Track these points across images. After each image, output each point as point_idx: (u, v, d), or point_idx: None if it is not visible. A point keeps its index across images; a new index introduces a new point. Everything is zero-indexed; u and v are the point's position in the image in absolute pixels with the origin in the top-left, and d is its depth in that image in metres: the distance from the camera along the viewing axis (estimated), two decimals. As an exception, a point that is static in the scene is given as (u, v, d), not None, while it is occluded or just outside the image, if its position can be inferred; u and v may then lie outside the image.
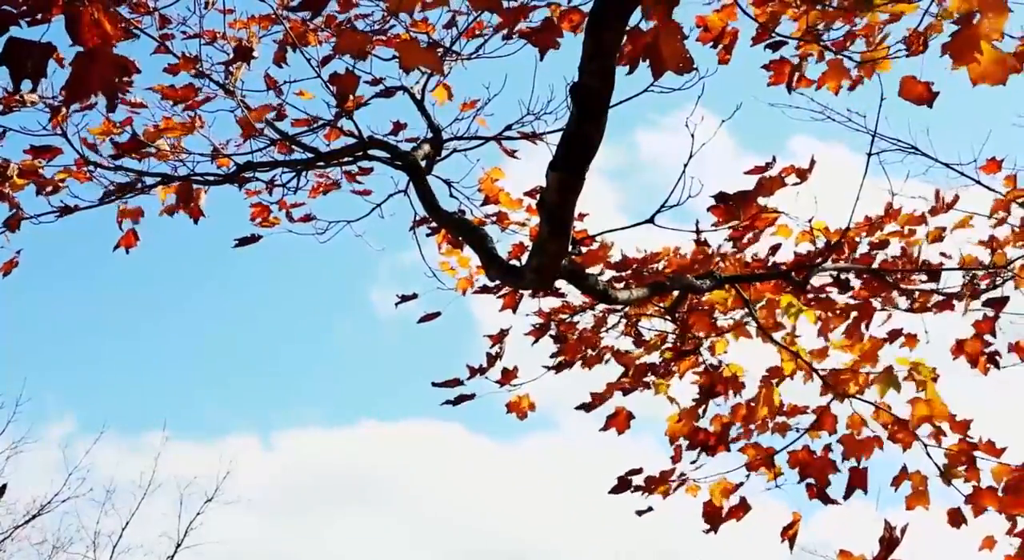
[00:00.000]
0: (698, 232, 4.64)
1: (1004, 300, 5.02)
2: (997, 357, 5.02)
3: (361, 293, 30.75)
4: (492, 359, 5.19)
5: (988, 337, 5.05)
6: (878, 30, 4.25)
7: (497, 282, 4.74)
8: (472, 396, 5.14)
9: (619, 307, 5.22)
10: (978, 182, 4.04)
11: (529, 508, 26.13)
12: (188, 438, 30.26)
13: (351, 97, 4.58)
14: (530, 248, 4.18)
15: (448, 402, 5.13)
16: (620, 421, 5.26)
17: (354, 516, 26.28)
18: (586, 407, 5.25)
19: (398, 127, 5.34)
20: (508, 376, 5.23)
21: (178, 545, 18.42)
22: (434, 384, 5.09)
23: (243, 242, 5.32)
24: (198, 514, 18.74)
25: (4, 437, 18.32)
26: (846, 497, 4.78)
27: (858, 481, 4.77)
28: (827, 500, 4.76)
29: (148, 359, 27.73)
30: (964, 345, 5.07)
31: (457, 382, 5.11)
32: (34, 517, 17.79)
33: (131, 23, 4.31)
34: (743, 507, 4.81)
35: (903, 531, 4.67)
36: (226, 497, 19.07)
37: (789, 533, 4.71)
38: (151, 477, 18.90)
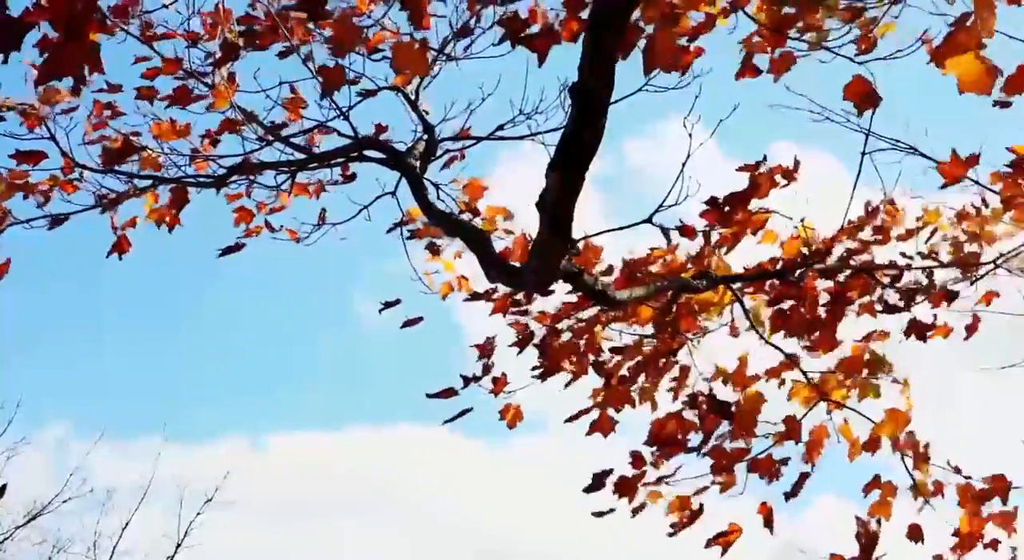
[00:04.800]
0: (668, 238, 4.66)
1: (954, 295, 5.24)
2: (928, 333, 5.28)
3: (344, 298, 30.59)
4: (487, 369, 5.20)
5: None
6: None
7: (496, 284, 4.72)
8: (470, 410, 5.14)
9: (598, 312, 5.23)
10: (976, 182, 4.11)
11: (522, 509, 26.11)
12: (182, 442, 30.05)
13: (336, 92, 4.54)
14: (530, 249, 4.16)
15: (448, 421, 5.11)
16: (603, 426, 5.30)
17: (349, 519, 26.31)
18: (572, 418, 5.29)
19: (380, 129, 5.28)
20: (499, 384, 5.24)
21: (178, 546, 18.37)
22: (428, 395, 5.06)
23: (227, 251, 5.31)
24: (198, 514, 18.71)
25: (3, 439, 18.13)
26: (789, 497, 4.91)
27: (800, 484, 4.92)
28: (769, 523, 4.85)
29: (144, 362, 27.57)
30: (913, 325, 5.29)
31: (452, 392, 5.09)
32: (34, 518, 17.80)
33: (117, 24, 4.22)
34: (696, 514, 4.88)
35: (879, 524, 4.76)
36: (224, 499, 18.92)
37: (720, 541, 4.79)
38: (151, 478, 18.85)
